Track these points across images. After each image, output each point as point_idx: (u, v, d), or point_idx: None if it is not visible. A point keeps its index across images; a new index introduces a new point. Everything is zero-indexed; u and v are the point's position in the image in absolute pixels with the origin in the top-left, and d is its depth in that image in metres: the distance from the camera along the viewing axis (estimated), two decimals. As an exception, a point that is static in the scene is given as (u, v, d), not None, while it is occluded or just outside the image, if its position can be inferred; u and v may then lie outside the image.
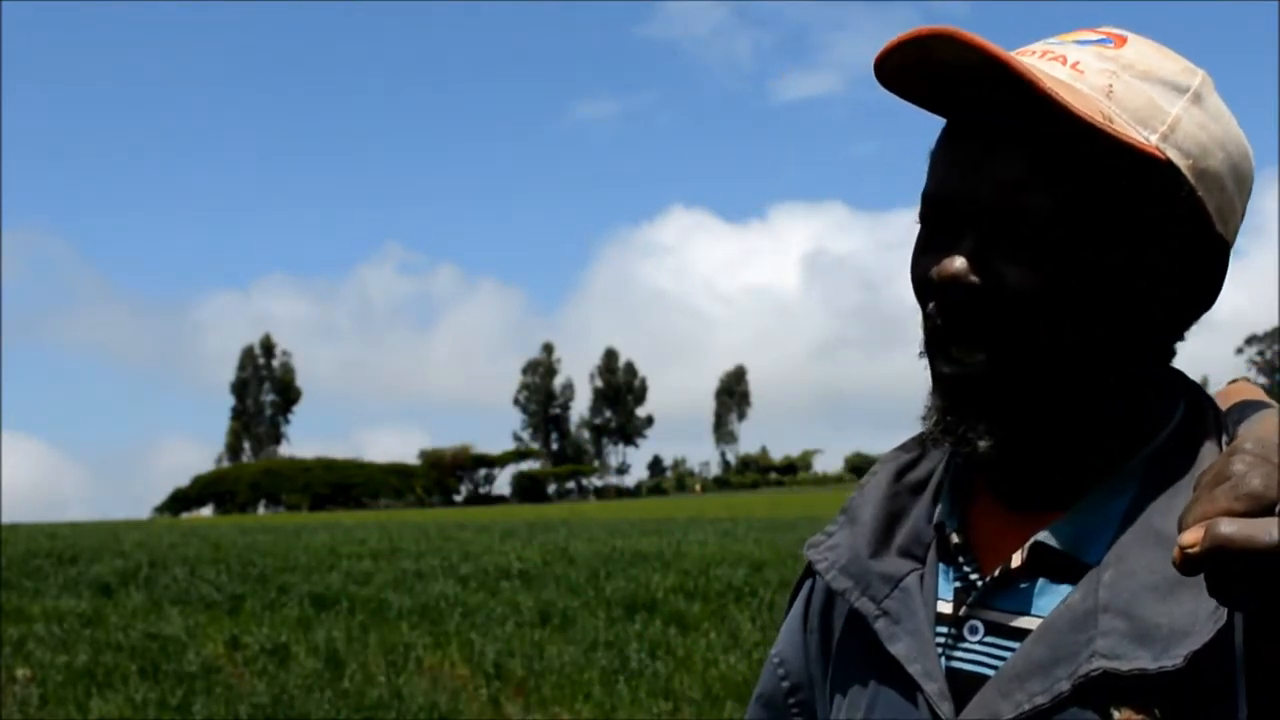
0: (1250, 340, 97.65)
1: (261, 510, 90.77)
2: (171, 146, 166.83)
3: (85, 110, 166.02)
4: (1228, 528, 0.64)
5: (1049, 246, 0.86)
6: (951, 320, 0.90)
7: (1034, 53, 0.92)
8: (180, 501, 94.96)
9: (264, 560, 17.69)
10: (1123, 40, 0.93)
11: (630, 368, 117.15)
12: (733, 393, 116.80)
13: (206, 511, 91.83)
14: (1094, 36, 0.93)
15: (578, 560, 16.89)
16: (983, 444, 0.89)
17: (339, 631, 11.55)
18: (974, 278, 0.88)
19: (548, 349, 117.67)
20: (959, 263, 0.88)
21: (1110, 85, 0.89)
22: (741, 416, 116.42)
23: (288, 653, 10.68)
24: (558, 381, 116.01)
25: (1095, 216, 0.87)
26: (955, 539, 0.96)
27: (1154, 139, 0.88)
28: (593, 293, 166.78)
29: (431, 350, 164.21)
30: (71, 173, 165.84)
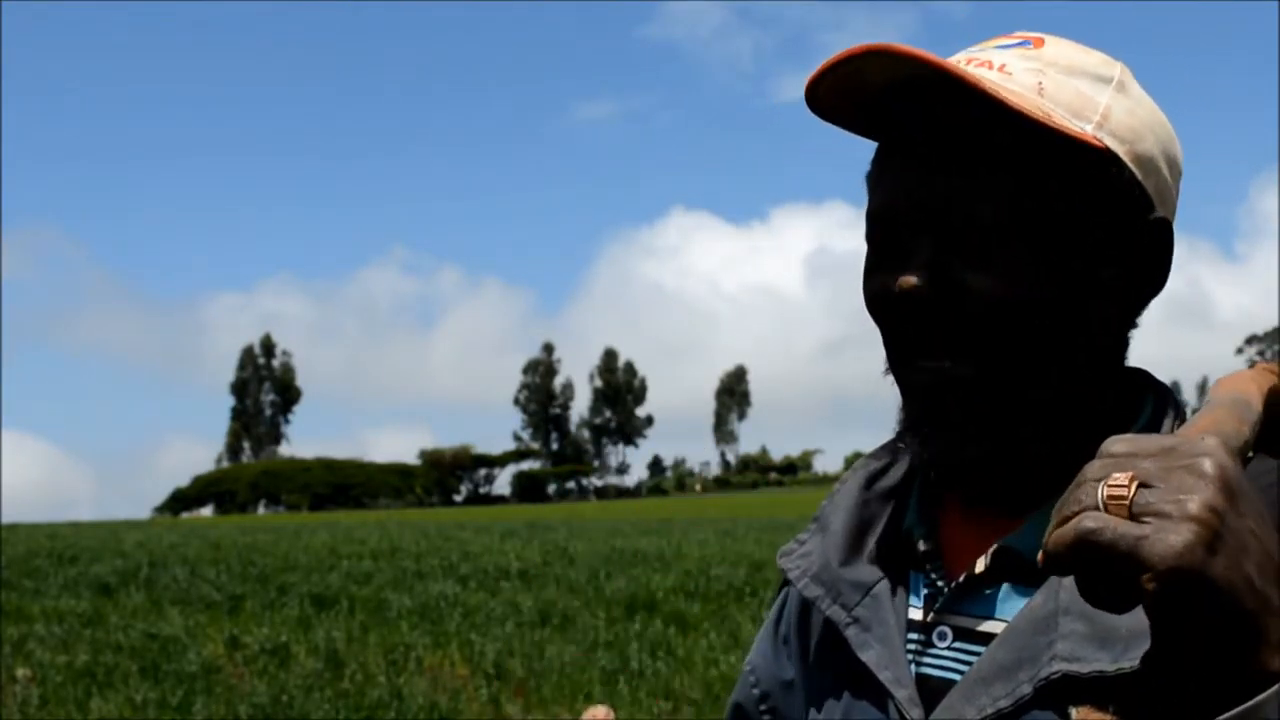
0: (1250, 340, 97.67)
1: (261, 510, 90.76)
2: (178, 147, 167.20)
3: (91, 110, 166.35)
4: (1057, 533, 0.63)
5: (1004, 248, 0.88)
6: (918, 332, 0.90)
7: (959, 61, 0.92)
8: (180, 501, 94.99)
9: (264, 560, 17.69)
10: (1040, 41, 0.95)
11: (630, 368, 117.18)
12: (733, 393, 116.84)
13: (206, 511, 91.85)
14: (1012, 41, 0.95)
15: (578, 560, 16.90)
16: (970, 450, 0.89)
17: (339, 631, 11.55)
18: (936, 288, 0.88)
19: (548, 349, 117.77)
20: (920, 275, 0.88)
21: (1040, 83, 0.90)
22: (742, 416, 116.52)
23: (288, 653, 10.68)
24: (558, 381, 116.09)
25: (1045, 213, 0.88)
26: (922, 546, 0.96)
27: (1090, 129, 0.89)
28: (593, 293, 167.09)
29: (432, 350, 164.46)
30: (78, 172, 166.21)
